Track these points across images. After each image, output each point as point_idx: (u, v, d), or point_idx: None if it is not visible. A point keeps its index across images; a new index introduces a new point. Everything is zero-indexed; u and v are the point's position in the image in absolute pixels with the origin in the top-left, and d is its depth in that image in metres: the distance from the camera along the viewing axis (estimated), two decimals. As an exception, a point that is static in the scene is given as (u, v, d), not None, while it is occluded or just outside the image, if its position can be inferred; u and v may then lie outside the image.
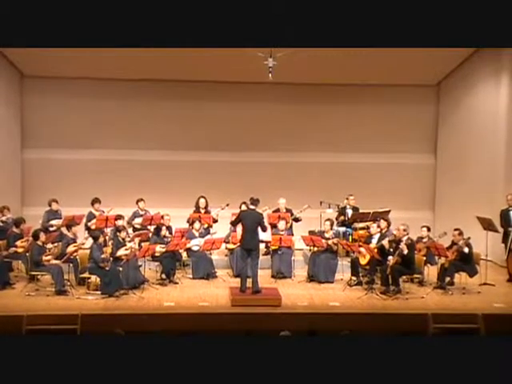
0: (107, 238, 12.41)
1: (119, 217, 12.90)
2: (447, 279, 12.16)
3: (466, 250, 11.99)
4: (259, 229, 11.47)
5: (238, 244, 12.74)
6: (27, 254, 12.06)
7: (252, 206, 11.60)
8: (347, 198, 14.47)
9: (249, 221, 11.45)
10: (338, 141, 16.47)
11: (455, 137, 16.09)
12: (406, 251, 11.68)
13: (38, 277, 11.93)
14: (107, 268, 11.49)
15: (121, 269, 11.62)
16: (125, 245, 12.07)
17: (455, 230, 12.26)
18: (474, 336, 9.68)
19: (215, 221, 14.00)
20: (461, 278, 12.23)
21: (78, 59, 14.01)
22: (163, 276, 12.54)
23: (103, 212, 13.59)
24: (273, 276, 12.96)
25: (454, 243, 12.25)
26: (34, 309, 10.45)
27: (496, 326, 10.23)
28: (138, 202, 14.07)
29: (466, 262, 12.07)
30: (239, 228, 12.77)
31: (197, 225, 13.38)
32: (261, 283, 11.50)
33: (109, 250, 11.81)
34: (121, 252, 11.85)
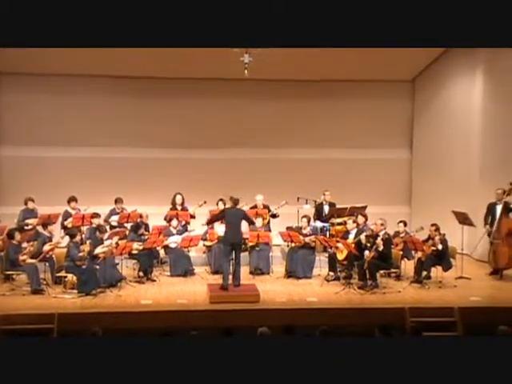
0: (84, 236, 12.28)
1: (96, 215, 12.81)
2: (424, 273, 12.22)
3: (440, 247, 12.06)
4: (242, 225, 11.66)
5: (216, 241, 12.75)
6: (2, 254, 11.90)
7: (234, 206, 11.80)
8: (324, 194, 14.49)
9: (232, 217, 11.56)
10: (314, 136, 16.44)
11: (431, 132, 16.15)
12: (381, 247, 11.71)
13: (14, 276, 11.82)
14: (84, 266, 11.38)
15: (98, 267, 11.53)
16: (102, 243, 11.97)
17: (432, 225, 12.31)
18: (453, 336, 9.73)
19: (192, 217, 13.94)
20: (437, 271, 12.27)
21: (54, 55, 13.77)
22: (141, 274, 12.45)
23: (79, 210, 13.45)
24: (251, 272, 12.93)
25: (430, 237, 12.31)
26: (9, 308, 10.33)
27: (472, 319, 10.32)
28: (116, 202, 13.97)
29: (440, 256, 12.14)
30: (217, 225, 12.79)
31: (174, 222, 13.31)
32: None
33: (87, 248, 11.70)
34: (98, 250, 11.75)
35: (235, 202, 11.82)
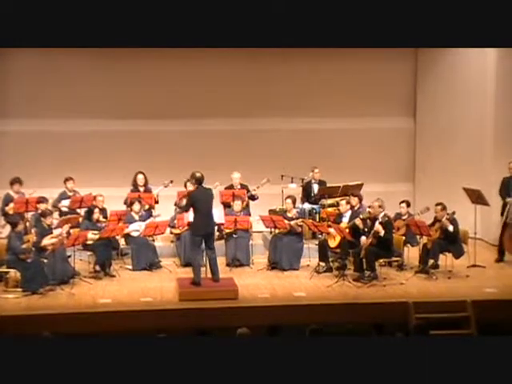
0: (28, 224, 12.19)
1: (42, 199, 12.72)
2: (431, 262, 12.29)
3: (451, 227, 12.13)
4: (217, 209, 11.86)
5: (186, 228, 12.71)
6: None
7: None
8: (312, 171, 14.53)
9: (203, 202, 11.47)
10: (301, 104, 16.27)
11: (437, 97, 16.10)
12: (380, 232, 11.76)
13: None
14: (29, 260, 11.33)
15: (46, 261, 11.48)
16: (51, 232, 11.92)
17: (437, 204, 12.37)
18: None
19: (157, 201, 13.91)
20: (446, 259, 12.35)
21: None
22: (97, 268, 12.43)
23: (23, 194, 13.34)
24: (228, 264, 12.98)
25: (436, 220, 12.37)
26: None
27: (487, 314, 10.43)
28: (65, 181, 13.89)
29: (451, 241, 12.21)
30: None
31: (136, 206, 13.27)
32: (214, 273, 11.63)
33: (31, 238, 11.63)
34: (46, 241, 11.69)
35: (199, 180, 11.48)
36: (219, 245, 13.12)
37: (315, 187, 14.47)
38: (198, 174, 11.50)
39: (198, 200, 11.49)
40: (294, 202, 13.23)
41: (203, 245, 11.56)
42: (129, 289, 11.70)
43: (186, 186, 13.49)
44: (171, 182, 13.92)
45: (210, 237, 11.56)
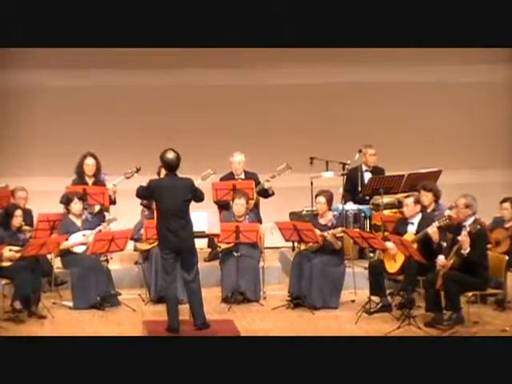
0: None
1: None
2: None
3: None
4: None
5: (158, 242, 12.49)
6: None
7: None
8: (365, 154, 14.64)
9: (169, 197, 11.50)
10: (340, 48, 16.13)
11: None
12: (467, 250, 11.46)
13: None
14: None
15: None
16: None
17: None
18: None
19: (112, 201, 14.10)
20: None
21: None
22: (17, 305, 12.38)
23: None
24: (225, 299, 13.21)
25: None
26: None
27: None
28: None
29: None
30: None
31: (76, 205, 13.16)
32: (206, 312, 11.78)
33: None
34: None
35: (171, 164, 11.49)
36: (211, 268, 13.40)
37: (367, 177, 14.48)
38: (169, 155, 11.42)
39: (158, 194, 11.47)
40: (329, 201, 13.10)
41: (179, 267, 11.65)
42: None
43: (159, 175, 13.47)
44: (137, 170, 14.10)
45: (185, 255, 11.55)
